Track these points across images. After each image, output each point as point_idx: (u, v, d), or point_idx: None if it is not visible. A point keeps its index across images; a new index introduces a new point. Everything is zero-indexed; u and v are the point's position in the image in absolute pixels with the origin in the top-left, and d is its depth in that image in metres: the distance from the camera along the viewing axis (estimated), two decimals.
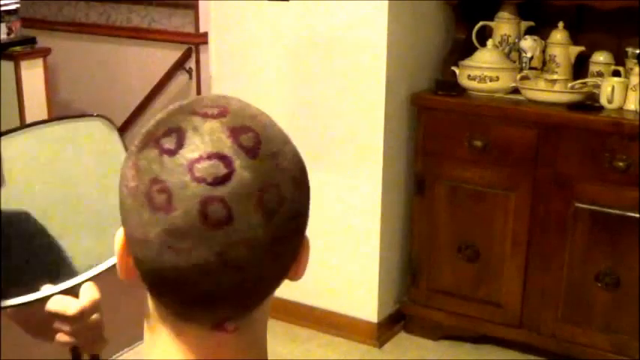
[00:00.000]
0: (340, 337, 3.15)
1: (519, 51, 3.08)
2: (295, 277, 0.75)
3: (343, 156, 3.02)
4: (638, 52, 2.85)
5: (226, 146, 0.67)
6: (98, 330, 1.02)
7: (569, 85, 2.87)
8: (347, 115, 2.98)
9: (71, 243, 1.07)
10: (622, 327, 2.78)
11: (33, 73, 4.56)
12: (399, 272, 3.21)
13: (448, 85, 3.02)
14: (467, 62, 3.02)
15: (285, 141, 0.72)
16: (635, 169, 2.64)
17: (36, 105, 4.49)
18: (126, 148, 1.02)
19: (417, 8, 3.00)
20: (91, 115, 1.10)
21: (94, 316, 1.01)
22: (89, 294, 1.00)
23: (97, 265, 1.02)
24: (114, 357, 2.90)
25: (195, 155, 0.66)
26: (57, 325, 1.00)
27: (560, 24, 2.99)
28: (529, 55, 3.04)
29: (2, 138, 1.00)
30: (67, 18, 5.27)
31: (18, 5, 4.63)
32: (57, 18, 5.30)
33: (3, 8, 4.49)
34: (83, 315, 0.99)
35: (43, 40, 4.81)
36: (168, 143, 0.68)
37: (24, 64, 4.51)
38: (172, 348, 0.73)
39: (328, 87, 2.99)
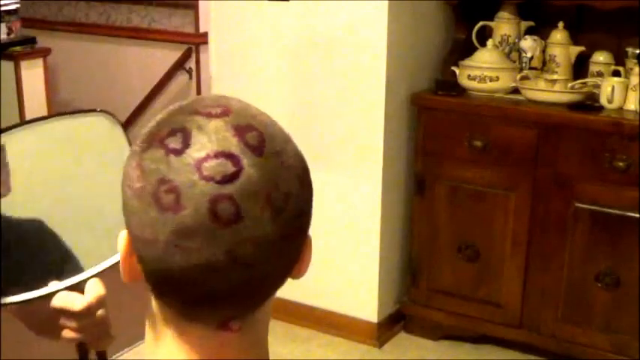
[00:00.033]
0: (340, 337, 3.15)
1: (519, 51, 3.08)
2: (298, 275, 0.75)
3: (343, 156, 3.02)
4: (638, 52, 2.85)
5: (233, 145, 0.67)
6: (104, 326, 1.02)
7: (569, 85, 2.87)
8: (347, 115, 2.98)
9: (76, 239, 1.06)
10: (622, 327, 2.78)
11: (33, 73, 4.56)
12: (399, 272, 3.21)
13: (448, 85, 3.02)
14: (467, 62, 3.02)
15: (287, 139, 0.72)
16: (635, 169, 2.64)
17: (36, 105, 4.49)
18: (130, 144, 1.02)
19: (417, 8, 3.00)
20: (94, 111, 1.09)
21: (100, 312, 1.01)
22: (95, 290, 1.00)
23: (102, 261, 1.02)
24: (114, 357, 2.90)
25: (203, 154, 0.66)
26: (63, 321, 1.00)
27: (560, 24, 2.99)
28: (529, 55, 3.04)
29: (3, 135, 0.99)
30: (67, 18, 5.27)
31: (18, 5, 4.63)
32: (57, 18, 5.30)
33: (3, 8, 4.49)
34: (89, 311, 0.99)
35: (43, 40, 4.81)
36: (174, 143, 0.68)
37: (24, 64, 4.52)
38: (176, 348, 0.73)
39: (328, 87, 2.99)
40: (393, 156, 3.02)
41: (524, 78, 2.96)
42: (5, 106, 4.19)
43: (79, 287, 1.00)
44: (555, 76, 2.93)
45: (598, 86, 2.84)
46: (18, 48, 4.53)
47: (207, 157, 0.66)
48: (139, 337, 0.78)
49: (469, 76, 2.99)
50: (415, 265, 3.12)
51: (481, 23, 3.09)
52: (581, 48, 2.97)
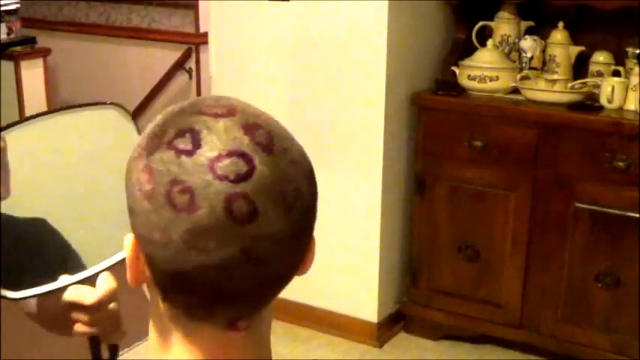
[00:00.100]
0: (340, 337, 3.15)
1: (519, 51, 3.08)
2: (302, 272, 0.75)
3: (343, 156, 3.02)
4: (638, 52, 2.86)
5: (244, 143, 0.68)
6: (116, 320, 1.02)
7: (569, 85, 2.87)
8: (347, 115, 2.98)
9: (88, 233, 1.06)
10: (622, 327, 2.78)
11: (33, 73, 4.56)
12: (399, 272, 3.21)
13: (448, 85, 3.02)
14: (467, 62, 3.02)
15: (291, 137, 0.73)
16: (635, 169, 2.64)
17: (36, 105, 4.49)
18: None
19: (417, 8, 3.00)
20: (105, 103, 1.06)
21: (112, 306, 1.00)
22: (106, 284, 0.99)
23: (113, 255, 1.02)
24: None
25: (215, 154, 0.67)
26: (75, 315, 0.99)
27: (560, 24, 2.99)
28: (529, 55, 3.04)
29: (4, 132, 0.98)
30: (67, 18, 5.28)
31: (18, 5, 4.63)
32: (57, 18, 5.30)
33: (3, 8, 4.50)
34: (101, 304, 0.98)
35: (43, 40, 4.81)
36: (183, 144, 0.68)
37: (24, 64, 4.52)
38: (184, 349, 0.73)
39: (328, 87, 2.99)
40: (393, 156, 3.02)
41: (524, 78, 2.96)
42: (5, 106, 4.19)
43: (90, 281, 1.00)
44: (555, 76, 2.93)
45: (598, 86, 2.84)
46: (18, 48, 4.53)
47: (219, 157, 0.67)
48: (138, 337, 0.78)
49: (469, 76, 2.99)
50: (415, 265, 3.12)
51: (481, 23, 3.10)
52: (581, 48, 2.97)
